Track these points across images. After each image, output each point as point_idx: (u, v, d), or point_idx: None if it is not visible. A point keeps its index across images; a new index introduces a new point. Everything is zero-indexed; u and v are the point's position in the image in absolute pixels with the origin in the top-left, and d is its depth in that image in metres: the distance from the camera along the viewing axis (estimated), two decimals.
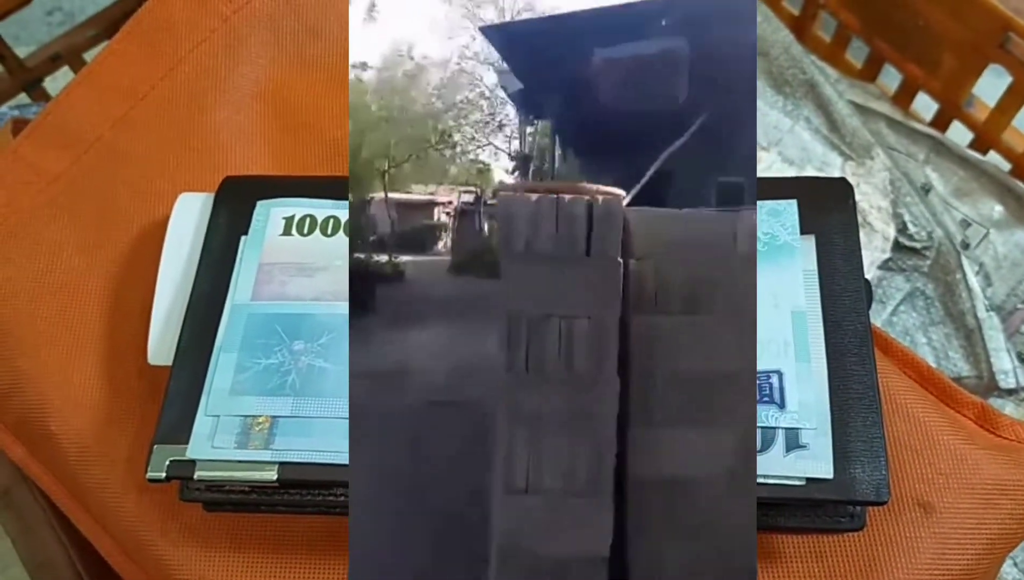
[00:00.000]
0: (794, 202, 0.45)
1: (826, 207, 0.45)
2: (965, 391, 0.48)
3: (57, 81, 0.85)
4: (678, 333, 0.47)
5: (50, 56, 0.84)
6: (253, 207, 0.48)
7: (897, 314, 0.73)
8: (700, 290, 0.47)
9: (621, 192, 0.45)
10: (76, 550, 0.55)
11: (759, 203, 0.45)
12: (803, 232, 0.44)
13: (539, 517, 0.45)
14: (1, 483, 0.57)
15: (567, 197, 0.44)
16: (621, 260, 0.45)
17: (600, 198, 0.44)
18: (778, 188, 0.46)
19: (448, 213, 1.85)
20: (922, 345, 0.72)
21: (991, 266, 0.74)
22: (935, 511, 0.44)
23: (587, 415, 0.45)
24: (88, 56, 0.85)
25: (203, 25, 0.56)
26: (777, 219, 0.44)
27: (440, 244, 1.75)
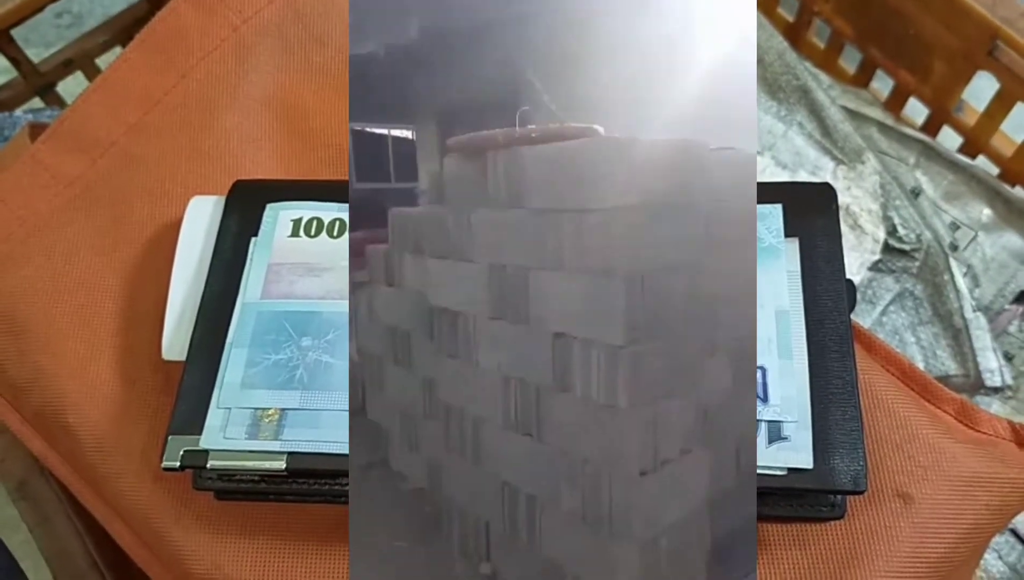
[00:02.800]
0: (779, 206, 0.47)
1: (810, 211, 0.47)
2: (945, 388, 0.50)
3: (69, 85, 0.88)
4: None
5: (63, 61, 0.86)
6: (263, 210, 0.50)
7: (887, 314, 0.75)
8: None
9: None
10: (92, 539, 0.57)
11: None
12: (787, 235, 0.46)
13: (668, 490, 0.44)
14: (18, 474, 0.59)
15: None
16: None
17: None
18: (764, 192, 0.48)
19: None
20: (911, 344, 0.74)
21: (979, 268, 0.76)
22: (914, 502, 0.46)
23: (687, 368, 0.45)
24: (100, 61, 0.88)
25: (214, 34, 0.58)
26: (763, 222, 0.46)
27: None
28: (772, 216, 0.46)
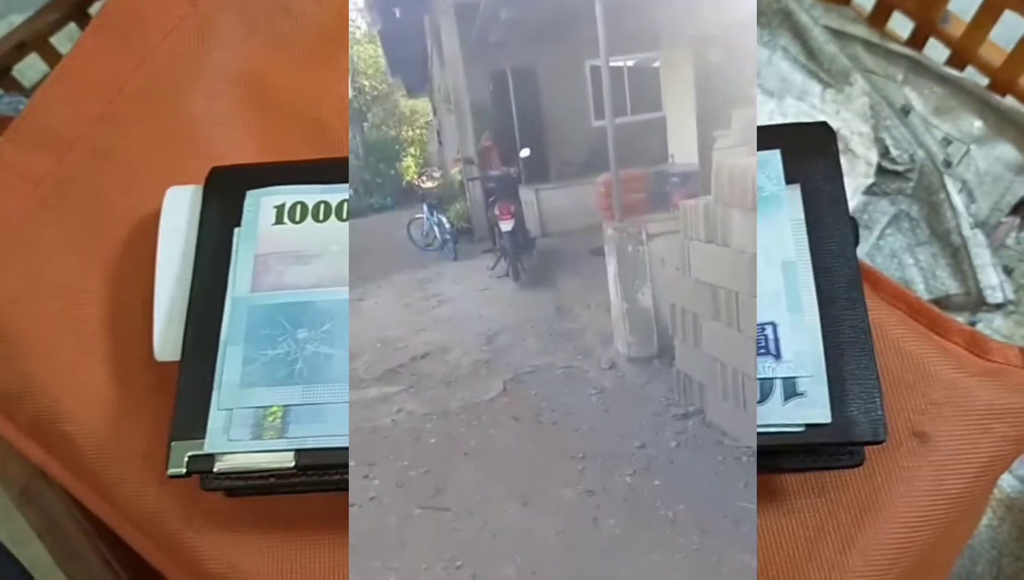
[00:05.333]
0: (777, 152, 0.45)
1: (809, 154, 0.45)
2: (954, 319, 0.49)
3: (24, 68, 0.84)
4: None
5: (15, 44, 0.82)
6: (243, 197, 0.48)
7: (884, 238, 0.74)
8: None
9: None
10: (103, 540, 0.56)
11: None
12: (787, 181, 0.45)
13: None
14: (20, 481, 0.57)
15: None
16: None
17: None
18: (760, 137, 0.46)
19: None
20: (909, 266, 0.73)
21: (974, 182, 0.75)
22: (931, 440, 0.45)
23: None
24: (54, 40, 0.84)
25: (172, 13, 0.55)
26: (762, 170, 0.45)
27: None
28: (771, 163, 0.45)
